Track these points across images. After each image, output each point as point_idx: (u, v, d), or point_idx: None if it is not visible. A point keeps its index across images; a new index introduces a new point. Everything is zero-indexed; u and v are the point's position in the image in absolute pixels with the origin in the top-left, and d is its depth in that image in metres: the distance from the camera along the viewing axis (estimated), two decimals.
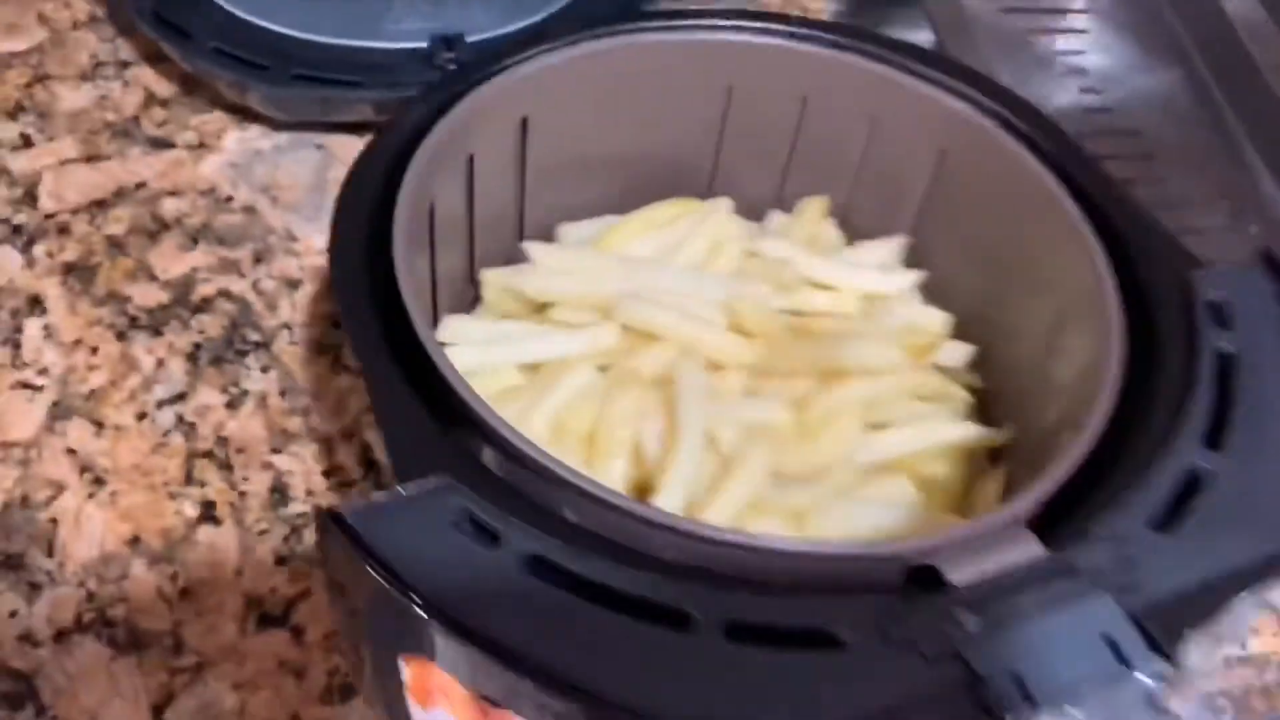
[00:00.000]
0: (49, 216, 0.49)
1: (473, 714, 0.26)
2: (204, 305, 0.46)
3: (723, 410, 0.35)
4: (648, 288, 0.38)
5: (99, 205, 0.49)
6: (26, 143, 0.52)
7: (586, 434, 0.35)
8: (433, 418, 0.29)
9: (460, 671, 0.25)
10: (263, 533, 0.40)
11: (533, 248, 0.40)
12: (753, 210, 0.44)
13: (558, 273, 0.39)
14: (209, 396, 0.44)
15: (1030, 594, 0.26)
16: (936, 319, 0.41)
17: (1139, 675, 0.24)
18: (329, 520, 0.26)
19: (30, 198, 0.49)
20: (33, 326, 0.45)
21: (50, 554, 0.39)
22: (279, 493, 0.41)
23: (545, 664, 0.24)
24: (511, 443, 0.28)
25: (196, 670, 0.36)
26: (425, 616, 0.24)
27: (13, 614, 0.37)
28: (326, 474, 0.42)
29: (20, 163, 0.51)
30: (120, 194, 0.50)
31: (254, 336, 0.46)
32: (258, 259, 0.48)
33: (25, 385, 0.43)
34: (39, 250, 0.48)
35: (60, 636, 0.37)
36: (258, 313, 0.46)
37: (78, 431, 0.42)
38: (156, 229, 0.49)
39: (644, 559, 0.26)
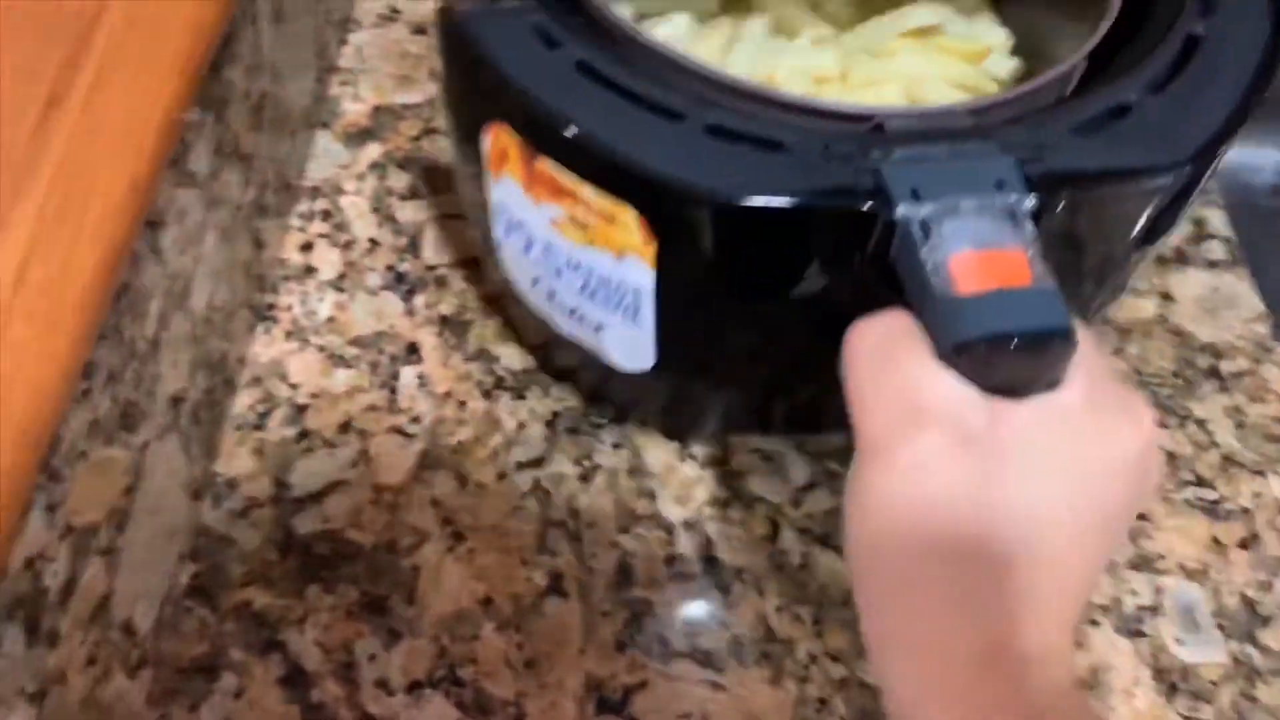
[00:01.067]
0: (429, 269, 0.50)
1: (523, 170, 0.36)
2: (565, 374, 0.47)
3: (782, 55, 0.43)
4: None
5: (474, 263, 0.50)
6: (414, 194, 0.53)
7: None
8: None
9: (520, 126, 0.34)
10: (605, 614, 0.41)
11: None
12: None
13: None
14: (563, 465, 0.45)
15: (947, 145, 0.32)
16: (999, 35, 0.46)
17: (1010, 195, 0.30)
18: (444, 12, 0.36)
19: (414, 248, 0.51)
20: (408, 374, 0.47)
21: (410, 602, 0.41)
22: (624, 573, 0.42)
23: (577, 122, 0.33)
24: None
25: None
26: (506, 82, 0.34)
27: (371, 658, 0.39)
28: (668, 561, 0.43)
29: (407, 213, 0.52)
30: None
31: (609, 412, 0.47)
32: None
33: (399, 431, 0.45)
34: (418, 300, 0.49)
35: (413, 688, 0.39)
36: None
37: (443, 483, 0.44)
38: None
39: (659, 79, 0.34)
